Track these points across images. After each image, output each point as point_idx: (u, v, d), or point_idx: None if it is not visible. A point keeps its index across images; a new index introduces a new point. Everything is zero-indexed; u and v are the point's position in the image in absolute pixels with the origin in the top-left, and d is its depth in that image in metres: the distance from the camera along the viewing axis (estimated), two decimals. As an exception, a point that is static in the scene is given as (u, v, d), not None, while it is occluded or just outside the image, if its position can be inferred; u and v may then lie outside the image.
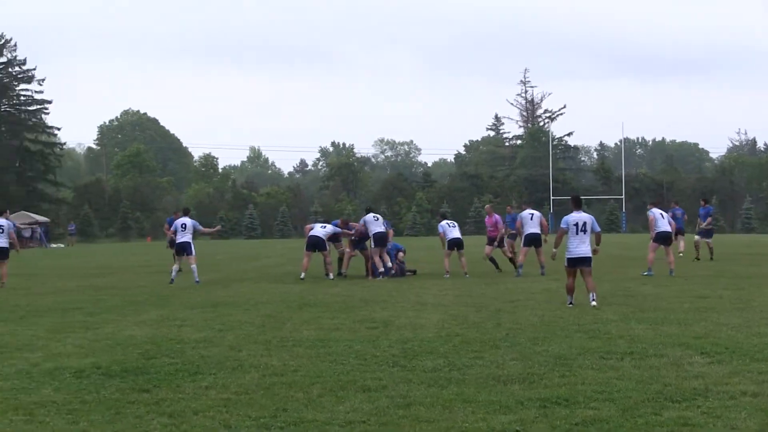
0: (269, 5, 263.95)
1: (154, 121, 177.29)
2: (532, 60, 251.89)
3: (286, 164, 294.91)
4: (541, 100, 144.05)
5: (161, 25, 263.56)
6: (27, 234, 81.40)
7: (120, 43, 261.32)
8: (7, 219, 27.19)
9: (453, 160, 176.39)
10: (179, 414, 8.54)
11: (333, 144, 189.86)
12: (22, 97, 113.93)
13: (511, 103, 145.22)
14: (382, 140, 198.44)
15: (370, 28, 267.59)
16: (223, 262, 31.35)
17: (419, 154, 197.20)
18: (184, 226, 26.37)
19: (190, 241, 26.19)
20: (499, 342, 12.76)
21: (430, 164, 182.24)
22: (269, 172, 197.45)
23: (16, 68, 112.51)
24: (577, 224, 17.46)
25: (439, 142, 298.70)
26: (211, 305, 18.91)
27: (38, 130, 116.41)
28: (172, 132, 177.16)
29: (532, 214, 26.63)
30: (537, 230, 26.38)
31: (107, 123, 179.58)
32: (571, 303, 17.35)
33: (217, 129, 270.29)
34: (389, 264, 26.53)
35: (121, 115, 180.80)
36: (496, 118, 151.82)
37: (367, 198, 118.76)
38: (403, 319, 15.88)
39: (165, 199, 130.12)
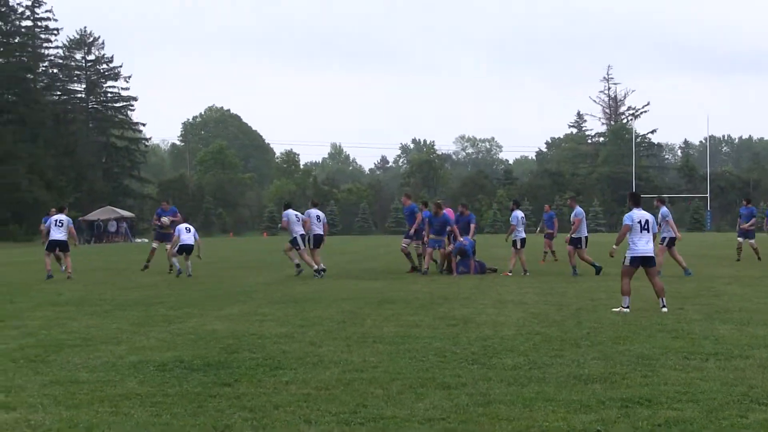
0: (352, 7, 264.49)
1: (237, 118, 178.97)
2: (616, 57, 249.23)
3: (367, 161, 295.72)
4: (625, 97, 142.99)
5: (245, 24, 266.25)
6: (112, 229, 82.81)
7: (204, 41, 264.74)
8: (66, 215, 29.26)
9: (534, 158, 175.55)
10: (260, 408, 8.60)
11: (414, 141, 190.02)
12: (109, 94, 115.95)
13: (594, 101, 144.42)
14: (462, 137, 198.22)
15: (450, 28, 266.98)
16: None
17: (500, 152, 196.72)
18: (188, 229, 28.62)
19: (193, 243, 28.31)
20: (579, 341, 12.65)
21: (511, 161, 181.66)
22: (350, 168, 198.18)
23: (104, 66, 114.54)
24: (641, 222, 17.00)
25: (521, 140, 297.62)
26: (292, 301, 19.03)
27: (124, 127, 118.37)
28: (254, 128, 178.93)
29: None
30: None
31: (191, 119, 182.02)
32: (627, 307, 16.51)
33: (298, 126, 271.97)
34: (321, 266, 26.89)
35: (204, 112, 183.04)
36: (579, 115, 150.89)
37: (448, 194, 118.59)
38: (484, 316, 15.82)
39: (247, 195, 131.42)
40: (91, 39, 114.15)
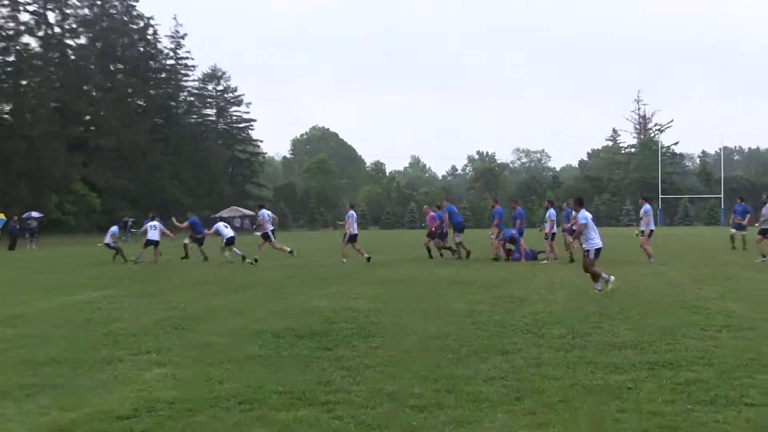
0: (428, 41, 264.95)
1: (335, 135, 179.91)
2: (646, 79, 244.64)
3: (440, 169, 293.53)
4: (652, 116, 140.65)
5: (342, 56, 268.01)
6: (237, 225, 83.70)
7: (308, 74, 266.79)
8: (158, 221, 30.38)
9: (577, 165, 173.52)
10: (354, 368, 8.64)
11: (478, 152, 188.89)
12: (234, 117, 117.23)
13: (627, 119, 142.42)
14: (518, 149, 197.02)
15: (510, 57, 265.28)
16: (388, 248, 31.51)
17: (549, 161, 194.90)
18: (227, 225, 29.66)
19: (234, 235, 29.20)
20: (614, 315, 12.49)
21: (558, 169, 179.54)
22: (426, 175, 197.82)
23: (230, 94, 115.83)
24: (593, 219, 16.68)
25: (566, 151, 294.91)
26: (379, 282, 19.07)
27: (246, 143, 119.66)
28: (349, 143, 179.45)
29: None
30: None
31: (299, 136, 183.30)
32: (601, 288, 15.80)
33: (385, 140, 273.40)
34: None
35: (309, 130, 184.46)
36: (614, 131, 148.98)
37: (506, 196, 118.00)
38: (536, 295, 15.70)
39: (343, 197, 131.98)
40: (220, 73, 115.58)
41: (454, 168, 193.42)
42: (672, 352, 9.29)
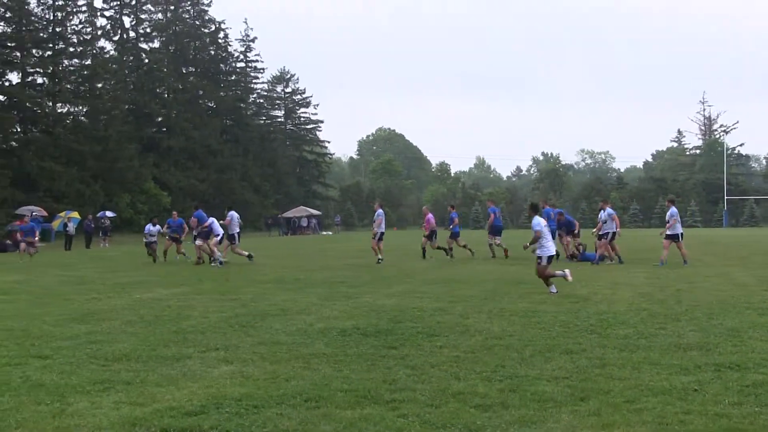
0: (493, 45, 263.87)
1: (401, 136, 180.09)
2: (710, 81, 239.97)
3: (504, 170, 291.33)
4: (717, 117, 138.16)
5: (408, 59, 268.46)
6: (304, 224, 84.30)
7: (375, 75, 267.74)
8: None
9: (642, 166, 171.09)
10: (419, 367, 8.63)
11: (543, 153, 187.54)
12: (301, 118, 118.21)
13: (691, 120, 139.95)
14: (583, 150, 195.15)
15: (574, 60, 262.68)
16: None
17: (613, 162, 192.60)
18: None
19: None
20: (679, 316, 12.28)
21: (622, 170, 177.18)
22: (491, 176, 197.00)
23: (298, 96, 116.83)
24: (548, 226, 16.71)
25: (631, 151, 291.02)
26: (444, 281, 19.03)
27: (313, 144, 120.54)
28: (414, 144, 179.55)
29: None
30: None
31: (365, 138, 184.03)
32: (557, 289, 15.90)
33: (450, 141, 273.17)
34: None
35: (375, 131, 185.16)
36: (678, 131, 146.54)
37: (570, 197, 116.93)
38: (600, 295, 15.52)
39: (408, 197, 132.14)
40: (289, 76, 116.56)
41: (518, 169, 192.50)
42: (738, 354, 9.09)
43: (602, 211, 26.13)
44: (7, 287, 19.36)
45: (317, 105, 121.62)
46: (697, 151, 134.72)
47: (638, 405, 6.94)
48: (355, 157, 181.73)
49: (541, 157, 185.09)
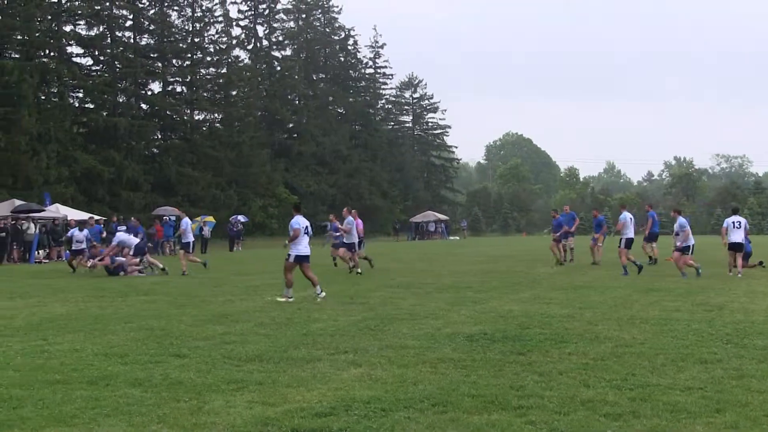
0: (628, 52, 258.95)
1: (529, 141, 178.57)
2: None
3: (635, 174, 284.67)
4: None
5: (536, 65, 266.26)
6: (432, 228, 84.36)
7: (502, 83, 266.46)
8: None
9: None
10: (547, 373, 8.52)
11: (675, 158, 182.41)
12: (429, 123, 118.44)
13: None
14: (718, 154, 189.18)
15: (703, 68, 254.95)
16: (580, 254, 30.77)
17: (751, 165, 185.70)
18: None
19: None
20: (823, 328, 11.73)
21: (760, 174, 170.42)
22: (621, 181, 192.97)
23: (426, 101, 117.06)
24: (306, 227, 16.50)
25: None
26: (572, 288, 18.73)
27: (441, 149, 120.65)
28: (542, 149, 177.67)
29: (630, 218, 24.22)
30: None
31: (492, 143, 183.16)
32: (291, 297, 16.14)
33: (579, 146, 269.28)
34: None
35: (503, 137, 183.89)
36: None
37: (703, 203, 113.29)
38: (736, 304, 14.97)
39: (537, 202, 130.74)
40: (417, 81, 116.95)
41: (650, 173, 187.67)
42: None
43: (621, 214, 24.90)
44: (147, 288, 20.11)
45: (445, 110, 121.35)
46: None
47: (779, 419, 6.66)
48: (482, 161, 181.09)
49: (674, 162, 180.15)
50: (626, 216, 24.36)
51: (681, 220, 22.14)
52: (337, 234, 26.61)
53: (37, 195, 47.10)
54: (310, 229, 16.82)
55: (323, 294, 16.45)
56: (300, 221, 16.49)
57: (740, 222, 22.36)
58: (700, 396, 7.47)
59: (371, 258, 27.08)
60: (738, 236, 22.14)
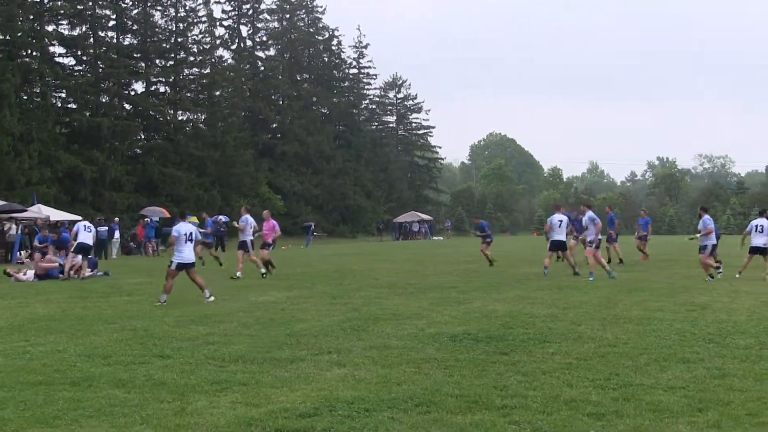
0: (603, 47, 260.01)
1: (513, 141, 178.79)
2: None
3: (618, 175, 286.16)
4: None
5: (518, 65, 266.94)
6: (415, 229, 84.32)
7: (486, 82, 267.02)
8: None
9: (764, 171, 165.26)
10: (531, 373, 8.55)
11: (658, 158, 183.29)
12: (413, 124, 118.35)
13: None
14: (700, 155, 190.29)
15: (687, 65, 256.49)
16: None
17: (733, 166, 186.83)
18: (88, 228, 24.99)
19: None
20: (805, 327, 11.80)
21: (743, 174, 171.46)
22: (604, 181, 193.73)
23: (410, 102, 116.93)
24: (186, 234, 16.07)
25: (753, 156, 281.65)
26: (556, 288, 18.76)
27: (425, 149, 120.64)
28: (526, 149, 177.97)
29: (560, 221, 23.16)
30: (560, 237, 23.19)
31: (476, 143, 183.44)
32: (165, 301, 15.84)
33: (563, 146, 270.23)
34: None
35: (487, 137, 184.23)
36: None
37: (687, 203, 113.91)
38: (719, 303, 15.05)
39: (520, 202, 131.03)
40: (401, 81, 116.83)
41: (633, 174, 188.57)
42: None
43: (582, 216, 23.92)
44: (131, 288, 20.03)
45: (429, 110, 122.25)
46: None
47: (762, 418, 6.71)
48: (466, 162, 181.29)
49: (657, 162, 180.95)
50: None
51: (705, 218, 21.83)
52: (204, 231, 25.78)
53: (20, 195, 46.83)
54: (196, 235, 16.64)
55: (212, 298, 16.24)
56: (181, 228, 16.17)
57: (762, 227, 21.86)
58: (683, 395, 7.50)
59: (260, 264, 24.49)
60: (761, 240, 21.79)
